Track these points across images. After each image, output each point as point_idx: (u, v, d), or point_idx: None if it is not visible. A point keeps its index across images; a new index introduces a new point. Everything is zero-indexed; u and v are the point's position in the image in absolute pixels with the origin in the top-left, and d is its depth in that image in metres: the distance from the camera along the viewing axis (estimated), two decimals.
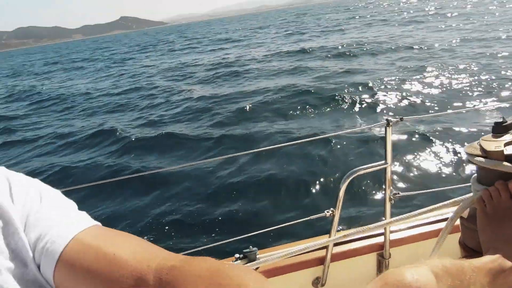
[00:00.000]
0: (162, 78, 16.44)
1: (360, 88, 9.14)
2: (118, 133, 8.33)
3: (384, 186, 1.72)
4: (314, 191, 4.74)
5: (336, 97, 8.52)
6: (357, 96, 8.43)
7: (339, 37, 21.63)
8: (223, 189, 5.06)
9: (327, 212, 1.63)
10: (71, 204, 0.59)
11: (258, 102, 9.29)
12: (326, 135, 2.89)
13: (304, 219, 1.68)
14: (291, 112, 8.21)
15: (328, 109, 8.15)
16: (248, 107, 8.85)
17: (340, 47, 17.09)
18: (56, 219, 0.53)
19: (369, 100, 8.17)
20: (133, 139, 7.75)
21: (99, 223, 0.58)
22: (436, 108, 7.24)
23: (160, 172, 5.25)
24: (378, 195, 4.41)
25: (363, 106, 7.93)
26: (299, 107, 8.35)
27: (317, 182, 4.88)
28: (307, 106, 8.33)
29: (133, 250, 0.51)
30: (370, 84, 9.25)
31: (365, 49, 15.42)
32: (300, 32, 28.69)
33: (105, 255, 0.49)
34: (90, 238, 0.51)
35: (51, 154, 8.09)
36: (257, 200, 4.67)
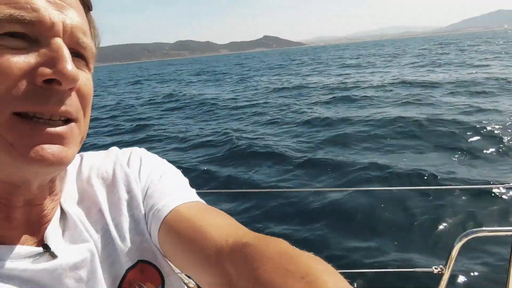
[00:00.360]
0: (279, 96, 17.14)
1: (484, 131, 8.00)
2: (233, 140, 8.93)
3: (509, 257, 1.47)
4: (422, 240, 4.17)
5: (456, 135, 7.62)
6: (480, 140, 7.40)
7: (479, 71, 19.22)
8: (314, 216, 4.88)
9: (435, 268, 1.49)
10: (184, 183, 0.69)
11: (364, 131, 8.92)
12: (453, 187, 2.43)
13: (408, 269, 1.54)
14: (397, 145, 7.65)
15: (444, 150, 7.19)
16: (351, 134, 8.57)
17: (477, 81, 15.24)
18: (166, 193, 0.62)
19: (499, 149, 6.85)
20: (243, 148, 8.17)
21: (201, 200, 0.66)
22: None
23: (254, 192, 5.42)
24: (500, 261, 3.58)
25: (489, 153, 6.75)
26: (408, 143, 7.70)
27: (428, 231, 4.34)
28: (419, 143, 7.63)
29: (218, 225, 0.56)
30: (500, 129, 7.94)
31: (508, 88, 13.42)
32: (436, 64, 26.44)
33: (194, 226, 0.56)
34: (187, 210, 0.59)
35: (178, 151, 9.10)
36: (353, 236, 4.37)
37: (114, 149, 0.71)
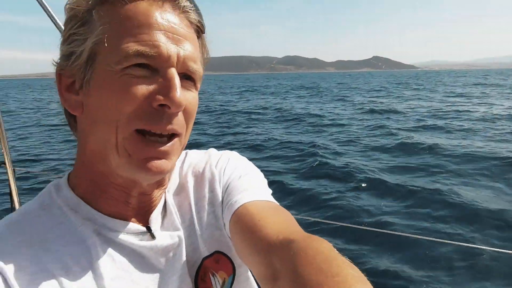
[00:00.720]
0: (369, 118, 17.04)
1: None
2: (317, 156, 9.00)
3: None
4: None
5: None
6: None
7: None
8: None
9: None
10: (261, 183, 0.76)
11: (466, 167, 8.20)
12: None
13: None
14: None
15: None
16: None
17: None
18: (240, 190, 0.70)
19: None
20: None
21: (273, 200, 0.72)
22: None
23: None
24: None
25: None
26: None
27: None
28: None
29: (274, 222, 0.62)
30: None
31: None
32: None
33: (254, 221, 0.62)
34: (253, 207, 0.66)
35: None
36: None
37: (211, 150, 0.81)
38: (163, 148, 0.56)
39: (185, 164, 0.77)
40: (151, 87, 0.54)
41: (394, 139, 11.42)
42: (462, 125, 13.79)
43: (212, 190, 0.74)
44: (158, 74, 0.54)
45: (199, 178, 0.75)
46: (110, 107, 0.54)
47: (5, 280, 0.51)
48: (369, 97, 30.91)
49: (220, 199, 0.73)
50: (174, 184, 0.73)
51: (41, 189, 0.66)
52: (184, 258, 0.66)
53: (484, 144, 10.22)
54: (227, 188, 0.73)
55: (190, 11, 0.59)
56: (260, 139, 12.43)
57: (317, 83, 70.23)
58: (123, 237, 0.60)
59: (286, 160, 9.32)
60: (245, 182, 0.73)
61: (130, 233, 0.61)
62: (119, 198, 0.62)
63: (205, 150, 0.82)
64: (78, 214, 0.60)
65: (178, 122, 0.57)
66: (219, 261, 0.70)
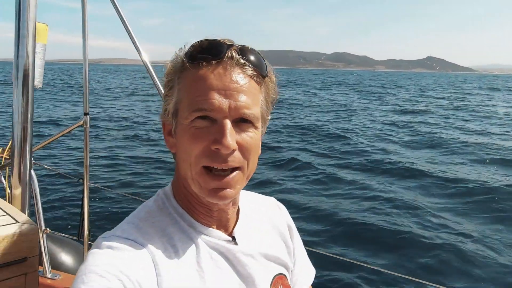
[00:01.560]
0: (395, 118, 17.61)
1: None
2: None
3: None
4: None
5: None
6: None
7: None
8: None
9: None
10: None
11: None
12: None
13: None
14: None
15: None
16: None
17: None
18: (302, 258, 0.98)
19: None
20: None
21: None
22: None
23: None
24: None
25: None
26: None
27: None
28: None
29: None
30: None
31: None
32: None
33: None
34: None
35: None
36: None
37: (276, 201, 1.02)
38: (226, 180, 0.69)
39: (260, 199, 0.98)
40: (210, 134, 0.68)
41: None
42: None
43: (284, 232, 0.95)
44: (216, 124, 0.68)
45: (275, 216, 0.96)
46: (185, 150, 0.70)
47: (154, 259, 0.68)
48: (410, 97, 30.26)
49: (289, 239, 0.95)
50: (244, 206, 0.89)
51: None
52: (261, 265, 0.82)
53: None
54: (294, 248, 0.96)
55: (245, 66, 0.71)
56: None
57: (364, 81, 66.32)
58: (217, 241, 0.76)
59: None
60: (300, 247, 0.98)
61: (221, 239, 0.77)
62: (205, 213, 0.77)
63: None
64: (183, 221, 0.76)
65: (234, 159, 0.69)
66: (285, 281, 0.87)
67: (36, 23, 1.72)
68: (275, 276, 0.84)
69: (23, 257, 1.27)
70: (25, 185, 1.73)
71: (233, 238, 0.80)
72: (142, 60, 1.84)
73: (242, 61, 0.70)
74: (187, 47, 0.73)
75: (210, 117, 0.68)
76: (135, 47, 1.85)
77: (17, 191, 1.72)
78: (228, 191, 0.71)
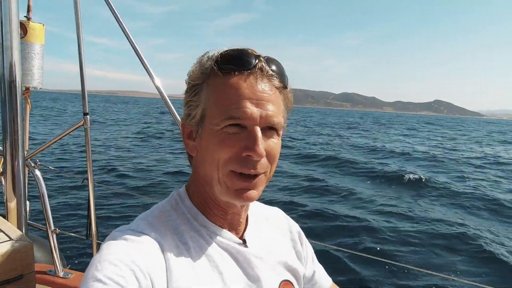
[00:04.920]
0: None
1: None
2: None
3: None
4: None
5: None
6: None
7: None
8: None
9: None
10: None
11: None
12: None
13: None
14: None
15: None
16: None
17: None
18: (318, 267, 1.02)
19: None
20: None
21: None
22: None
23: None
24: None
25: None
26: None
27: None
28: None
29: None
30: None
31: None
32: None
33: None
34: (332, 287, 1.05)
35: None
36: None
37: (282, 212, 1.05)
38: (251, 182, 0.72)
39: (267, 210, 1.00)
40: (241, 141, 0.70)
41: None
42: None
43: (294, 239, 0.98)
44: (246, 131, 0.70)
45: (282, 224, 0.98)
46: (213, 154, 0.72)
47: (165, 255, 0.70)
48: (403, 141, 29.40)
49: (300, 246, 0.98)
50: (254, 212, 0.92)
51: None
52: (270, 269, 0.84)
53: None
54: (306, 252, 1.00)
55: (272, 77, 0.74)
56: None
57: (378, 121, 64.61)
58: (228, 242, 0.79)
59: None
60: (310, 252, 1.01)
61: (232, 241, 0.80)
62: (219, 215, 0.79)
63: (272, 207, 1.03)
64: (196, 221, 0.78)
65: (262, 166, 0.72)
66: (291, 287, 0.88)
67: (32, 23, 1.75)
68: (281, 282, 0.85)
69: (18, 275, 1.26)
70: (20, 197, 1.70)
71: (244, 241, 0.82)
72: (156, 86, 1.82)
73: (270, 72, 0.74)
74: (211, 53, 0.75)
75: (241, 124, 0.71)
76: (148, 74, 1.83)
77: (12, 204, 1.68)
78: (253, 192, 0.74)
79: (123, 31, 1.80)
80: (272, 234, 0.92)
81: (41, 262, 2.07)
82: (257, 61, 0.73)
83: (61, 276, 1.86)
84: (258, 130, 0.71)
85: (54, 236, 1.87)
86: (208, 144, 0.73)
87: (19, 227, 1.68)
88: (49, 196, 1.89)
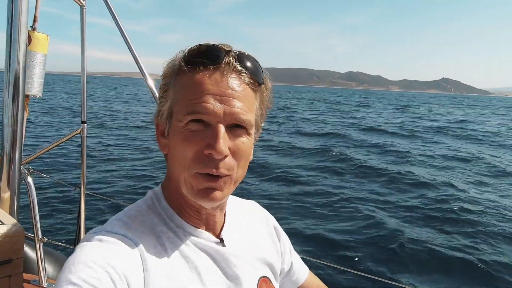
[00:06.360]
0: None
1: None
2: None
3: None
4: None
5: None
6: None
7: None
8: None
9: None
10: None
11: None
12: None
13: None
14: None
15: None
16: None
17: None
18: (295, 258, 1.05)
19: None
20: None
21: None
22: None
23: None
24: None
25: None
26: None
27: None
28: None
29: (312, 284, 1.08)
30: None
31: None
32: None
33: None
34: (309, 277, 1.07)
35: None
36: None
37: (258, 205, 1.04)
38: (215, 182, 0.70)
39: (244, 203, 0.99)
40: (204, 139, 0.68)
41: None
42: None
43: (271, 233, 0.98)
44: (210, 128, 0.68)
45: (259, 218, 0.98)
46: (179, 153, 0.70)
47: (142, 255, 0.68)
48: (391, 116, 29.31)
49: (277, 241, 0.98)
50: (231, 210, 0.90)
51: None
52: (248, 267, 0.83)
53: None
54: (284, 246, 1.00)
55: (241, 73, 0.71)
56: None
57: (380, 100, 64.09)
58: (205, 242, 0.78)
59: None
60: (288, 243, 1.02)
61: (210, 241, 0.79)
62: (194, 215, 0.78)
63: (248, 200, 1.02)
64: (172, 222, 0.77)
65: (225, 165, 0.69)
66: (269, 284, 0.88)
67: (37, 33, 1.77)
68: (260, 278, 0.85)
69: (7, 259, 1.27)
70: (14, 189, 1.73)
71: (221, 240, 0.81)
72: (149, 86, 1.83)
73: (239, 67, 0.70)
74: (186, 50, 0.73)
75: (204, 121, 0.68)
76: (141, 72, 1.85)
77: (6, 195, 1.71)
78: (217, 193, 0.71)
79: (118, 28, 1.82)
80: (249, 229, 0.91)
81: (26, 271, 2.04)
82: (225, 55, 0.70)
83: (45, 286, 1.85)
84: (220, 127, 0.68)
85: (41, 245, 1.86)
86: (175, 142, 0.71)
87: (11, 215, 1.70)
88: (40, 204, 1.90)
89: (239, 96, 0.70)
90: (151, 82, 1.84)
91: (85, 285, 0.58)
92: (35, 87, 1.85)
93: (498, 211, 7.07)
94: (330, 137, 16.50)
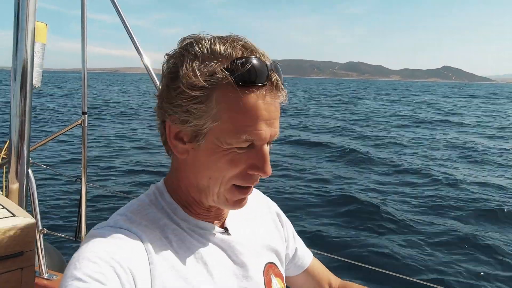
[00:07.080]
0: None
1: None
2: None
3: None
4: None
5: None
6: None
7: None
8: None
9: None
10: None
11: None
12: None
13: None
14: None
15: None
16: None
17: None
18: (299, 243, 1.06)
19: None
20: None
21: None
22: None
23: None
24: None
25: None
26: None
27: None
28: None
29: (321, 271, 1.10)
30: None
31: None
32: None
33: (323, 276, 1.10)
34: (313, 261, 1.09)
35: None
36: None
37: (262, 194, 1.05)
38: (248, 192, 0.74)
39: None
40: (249, 159, 0.69)
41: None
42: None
43: (275, 219, 0.99)
44: (255, 149, 0.69)
45: (262, 205, 0.99)
46: (217, 171, 0.70)
47: (147, 248, 0.68)
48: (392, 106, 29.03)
49: (281, 227, 1.00)
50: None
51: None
52: (253, 254, 0.84)
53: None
54: (288, 232, 1.02)
55: (282, 91, 0.70)
56: None
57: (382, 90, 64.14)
58: (209, 232, 0.79)
59: None
60: (293, 232, 1.04)
61: (214, 230, 0.79)
62: (202, 213, 0.79)
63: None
64: (176, 215, 0.77)
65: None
66: (276, 269, 0.89)
67: (36, 22, 1.76)
68: (266, 264, 0.86)
69: (19, 251, 1.25)
70: (22, 181, 1.73)
71: (226, 229, 0.82)
72: (144, 64, 1.84)
73: (281, 85, 0.69)
74: (208, 44, 0.68)
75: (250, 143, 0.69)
76: (137, 51, 1.85)
77: (14, 186, 1.72)
78: (247, 199, 0.76)
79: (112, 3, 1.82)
80: (253, 217, 0.92)
81: None
82: (269, 72, 0.67)
83: (45, 277, 1.85)
84: (267, 150, 0.70)
85: (41, 236, 1.85)
86: (211, 159, 0.69)
87: (20, 206, 1.69)
88: (39, 194, 1.88)
89: (279, 115, 0.71)
90: (147, 60, 1.83)
91: (90, 280, 0.59)
92: (34, 77, 1.84)
93: None
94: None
